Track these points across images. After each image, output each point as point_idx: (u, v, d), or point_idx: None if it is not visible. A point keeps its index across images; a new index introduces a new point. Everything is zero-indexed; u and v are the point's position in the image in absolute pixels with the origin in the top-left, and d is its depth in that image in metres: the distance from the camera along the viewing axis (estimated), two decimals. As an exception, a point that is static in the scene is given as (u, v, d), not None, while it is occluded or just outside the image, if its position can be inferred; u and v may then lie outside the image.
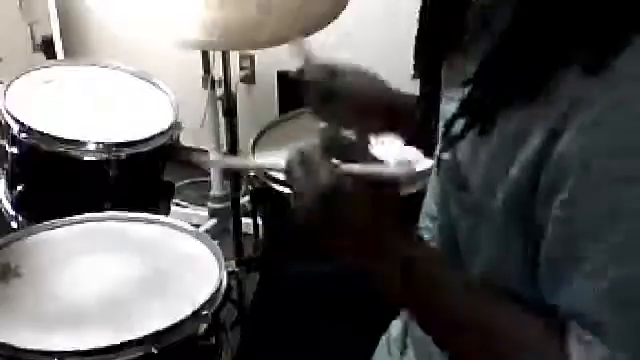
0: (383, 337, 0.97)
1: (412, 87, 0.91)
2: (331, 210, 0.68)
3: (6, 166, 1.61)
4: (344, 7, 1.52)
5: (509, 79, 0.64)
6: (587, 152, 0.57)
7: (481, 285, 0.73)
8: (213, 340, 1.11)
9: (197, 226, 1.42)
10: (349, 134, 0.73)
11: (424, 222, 0.87)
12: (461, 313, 0.69)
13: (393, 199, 0.71)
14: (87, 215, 1.33)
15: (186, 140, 1.88)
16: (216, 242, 1.25)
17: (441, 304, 0.70)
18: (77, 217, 1.32)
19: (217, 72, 1.91)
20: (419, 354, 0.88)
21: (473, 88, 0.68)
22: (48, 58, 2.51)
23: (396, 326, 0.95)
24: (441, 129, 0.75)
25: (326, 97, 1.03)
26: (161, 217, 1.35)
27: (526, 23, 0.63)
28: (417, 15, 0.82)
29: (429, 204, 0.86)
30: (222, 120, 1.85)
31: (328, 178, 0.67)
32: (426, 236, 0.86)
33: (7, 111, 1.52)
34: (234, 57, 2.31)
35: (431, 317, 0.71)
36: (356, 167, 0.69)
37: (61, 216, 1.31)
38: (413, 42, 0.84)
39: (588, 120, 0.57)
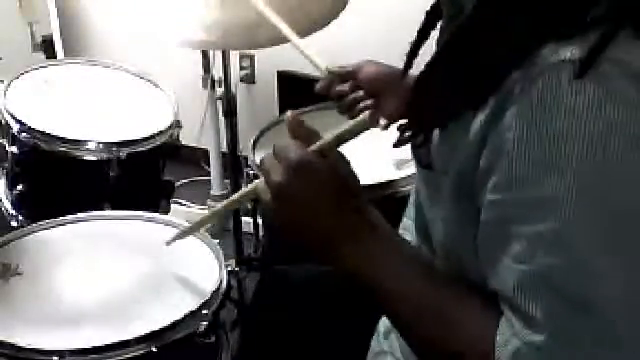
0: (376, 331, 0.98)
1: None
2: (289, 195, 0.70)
3: (6, 165, 1.61)
4: (344, 7, 1.52)
5: (441, 105, 0.68)
6: (517, 139, 0.59)
7: (433, 267, 0.76)
8: (213, 339, 1.11)
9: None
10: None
11: (409, 213, 0.89)
12: (405, 288, 0.70)
13: (353, 181, 0.73)
14: (87, 214, 1.33)
15: (186, 140, 1.89)
16: (216, 241, 1.25)
17: (392, 281, 0.71)
18: (77, 216, 1.32)
19: (217, 72, 1.92)
20: (399, 337, 0.89)
21: (410, 110, 0.73)
22: (48, 58, 2.51)
23: (385, 319, 0.96)
24: None
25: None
26: (161, 216, 1.36)
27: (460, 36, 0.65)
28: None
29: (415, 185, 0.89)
30: (222, 120, 1.86)
31: (297, 154, 0.70)
32: (409, 222, 0.88)
33: (7, 111, 1.53)
34: (234, 57, 2.31)
35: (382, 294, 0.72)
36: (324, 138, 0.72)
37: (61, 215, 1.31)
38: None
39: (515, 110, 0.59)
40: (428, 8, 0.81)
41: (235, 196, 0.91)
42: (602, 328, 0.59)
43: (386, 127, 1.12)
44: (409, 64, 0.87)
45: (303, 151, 0.71)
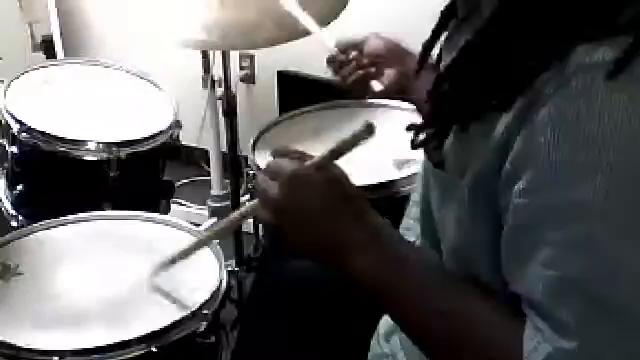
0: (375, 332, 0.98)
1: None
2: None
3: (6, 165, 1.61)
4: (344, 7, 1.52)
5: (468, 103, 0.66)
6: (550, 142, 0.58)
7: (446, 270, 0.74)
8: (213, 339, 1.11)
9: (197, 225, 1.42)
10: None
11: (411, 212, 0.89)
12: (423, 296, 0.69)
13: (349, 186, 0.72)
14: (87, 214, 1.33)
15: (186, 140, 1.88)
16: (216, 241, 1.25)
17: (404, 288, 0.70)
18: (77, 216, 1.32)
19: (217, 72, 1.91)
20: (403, 338, 0.88)
21: (432, 106, 0.72)
22: (48, 58, 2.51)
23: (385, 320, 0.95)
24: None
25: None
26: (161, 216, 1.36)
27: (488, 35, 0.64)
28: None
29: (417, 191, 0.88)
30: (222, 120, 1.86)
31: (291, 168, 0.70)
32: (411, 222, 0.87)
33: (7, 111, 1.53)
34: (234, 57, 2.31)
35: (394, 302, 0.71)
36: (320, 152, 0.72)
37: (61, 215, 1.31)
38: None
39: (546, 112, 0.58)
40: (442, 8, 0.80)
41: (231, 217, 0.89)
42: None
43: (378, 94, 1.14)
44: (422, 64, 0.86)
45: (297, 165, 0.71)
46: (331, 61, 1.20)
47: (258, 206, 0.74)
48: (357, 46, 1.18)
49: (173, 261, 1.08)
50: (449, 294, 0.69)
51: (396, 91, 1.16)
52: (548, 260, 0.60)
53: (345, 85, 1.19)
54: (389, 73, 1.15)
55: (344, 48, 1.19)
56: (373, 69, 1.16)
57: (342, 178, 0.72)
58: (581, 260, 0.58)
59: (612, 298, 0.58)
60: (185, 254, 1.07)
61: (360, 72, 1.16)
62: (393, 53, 1.15)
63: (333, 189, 0.70)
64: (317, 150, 0.74)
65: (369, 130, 0.70)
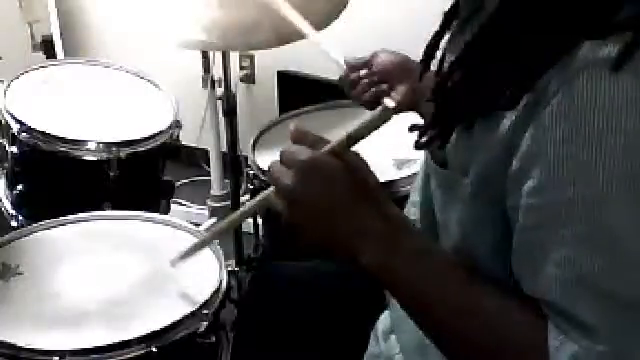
0: (373, 331, 0.97)
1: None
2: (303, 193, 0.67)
3: (6, 165, 1.61)
4: (344, 7, 1.52)
5: (471, 102, 0.66)
6: (558, 140, 0.58)
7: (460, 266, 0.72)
8: (213, 339, 1.11)
9: (197, 225, 1.42)
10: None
11: (409, 212, 0.88)
12: (444, 295, 0.67)
13: (368, 175, 0.70)
14: (87, 214, 1.33)
15: (186, 140, 1.88)
16: (216, 241, 1.25)
17: (431, 284, 0.67)
18: (77, 216, 1.32)
19: (217, 72, 1.91)
20: (401, 338, 0.88)
21: (436, 105, 0.71)
22: (48, 58, 2.51)
23: (385, 318, 0.95)
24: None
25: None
26: (161, 216, 1.36)
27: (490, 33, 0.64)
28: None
29: (416, 192, 0.88)
30: (222, 120, 1.86)
31: (306, 154, 0.67)
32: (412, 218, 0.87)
33: (7, 111, 1.53)
34: (234, 57, 2.31)
35: (415, 299, 0.69)
36: (335, 140, 0.69)
37: (61, 215, 1.31)
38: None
39: (552, 110, 0.58)
40: (445, 8, 0.80)
41: (245, 208, 0.86)
42: None
43: (393, 111, 1.13)
44: (427, 66, 0.85)
45: (312, 152, 0.68)
46: (343, 80, 1.20)
47: (272, 195, 0.71)
48: (366, 63, 1.17)
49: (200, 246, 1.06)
50: (475, 292, 0.67)
51: (408, 106, 1.14)
52: (562, 259, 0.59)
53: (359, 102, 1.18)
54: (400, 88, 1.14)
55: (354, 66, 1.18)
56: (385, 86, 1.15)
57: (361, 166, 0.69)
58: (595, 258, 0.58)
59: (631, 294, 0.57)
60: (195, 248, 1.06)
61: (372, 90, 1.15)
62: (403, 68, 1.14)
63: (349, 178, 0.68)
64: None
65: (388, 112, 0.67)
